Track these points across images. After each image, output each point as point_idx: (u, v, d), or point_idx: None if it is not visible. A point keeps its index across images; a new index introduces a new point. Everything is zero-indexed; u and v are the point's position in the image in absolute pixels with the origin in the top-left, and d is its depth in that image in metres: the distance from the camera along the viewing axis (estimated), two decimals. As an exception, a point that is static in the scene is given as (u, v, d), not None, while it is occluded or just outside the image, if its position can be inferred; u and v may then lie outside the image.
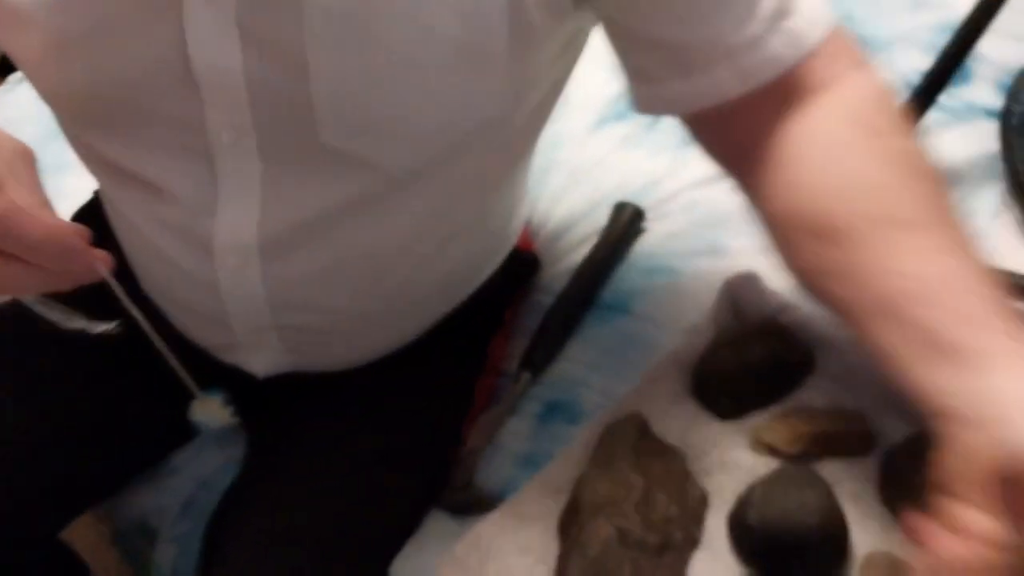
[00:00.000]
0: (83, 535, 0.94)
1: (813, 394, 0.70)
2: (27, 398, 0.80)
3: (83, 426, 0.79)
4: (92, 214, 0.87)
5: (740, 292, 0.76)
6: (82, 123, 0.63)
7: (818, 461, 0.65)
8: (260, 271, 0.65)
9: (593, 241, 0.89)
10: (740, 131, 0.56)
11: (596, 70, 0.69)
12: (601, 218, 0.91)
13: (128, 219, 0.69)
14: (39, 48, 0.57)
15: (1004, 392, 0.41)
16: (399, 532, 0.76)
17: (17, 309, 0.86)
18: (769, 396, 0.70)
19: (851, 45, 0.56)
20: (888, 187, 0.50)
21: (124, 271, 0.79)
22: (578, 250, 0.90)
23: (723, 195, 0.93)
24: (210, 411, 0.76)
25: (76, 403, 0.80)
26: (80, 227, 0.51)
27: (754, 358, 0.70)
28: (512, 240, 0.86)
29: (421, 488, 0.78)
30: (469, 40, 0.53)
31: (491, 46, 0.53)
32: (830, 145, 0.53)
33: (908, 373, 0.45)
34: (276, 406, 0.81)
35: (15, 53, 0.61)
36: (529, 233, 0.96)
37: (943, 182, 0.50)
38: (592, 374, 0.80)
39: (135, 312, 0.60)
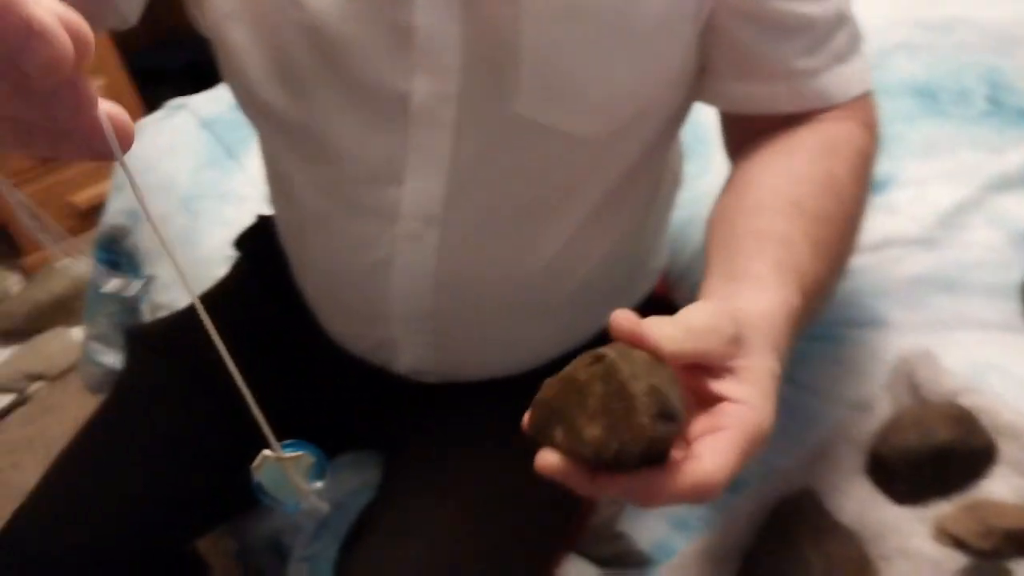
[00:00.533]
0: (205, 548, 0.94)
1: (999, 486, 0.67)
2: (162, 415, 0.81)
3: (214, 447, 0.80)
4: (256, 235, 0.88)
5: (918, 370, 0.73)
6: (284, 81, 0.63)
7: (1011, 560, 0.62)
8: (437, 240, 0.66)
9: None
10: (759, 128, 0.64)
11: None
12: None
13: (303, 201, 0.70)
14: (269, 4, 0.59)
15: (740, 300, 0.51)
16: (532, 568, 0.74)
17: (154, 330, 0.88)
18: (951, 484, 0.67)
19: (871, 109, 0.65)
20: (802, 180, 0.59)
21: (290, 293, 0.80)
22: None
23: (889, 263, 0.90)
24: (283, 474, 0.48)
25: (208, 424, 0.80)
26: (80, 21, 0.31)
27: (938, 442, 0.67)
28: (654, 274, 0.86)
29: (556, 526, 0.76)
30: (664, 10, 0.57)
31: (679, 21, 0.58)
32: (796, 143, 0.62)
33: (707, 278, 0.55)
34: (412, 427, 0.80)
35: (229, 9, 0.61)
36: (668, 282, 0.94)
37: (849, 208, 0.60)
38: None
39: (184, 278, 0.41)
